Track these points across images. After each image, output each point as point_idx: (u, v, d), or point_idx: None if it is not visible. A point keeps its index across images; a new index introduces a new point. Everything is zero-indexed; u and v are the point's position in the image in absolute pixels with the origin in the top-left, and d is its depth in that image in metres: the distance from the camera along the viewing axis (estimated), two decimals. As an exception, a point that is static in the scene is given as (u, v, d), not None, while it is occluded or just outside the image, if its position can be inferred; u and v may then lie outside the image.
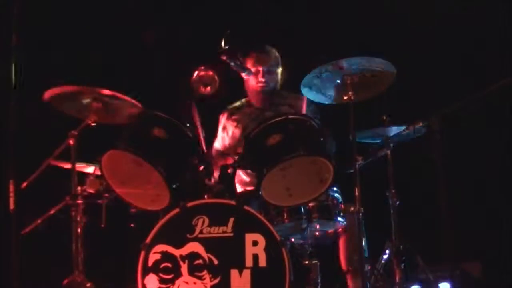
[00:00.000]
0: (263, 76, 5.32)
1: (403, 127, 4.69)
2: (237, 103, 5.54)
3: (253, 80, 5.33)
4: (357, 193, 4.47)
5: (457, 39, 5.89)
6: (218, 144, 5.48)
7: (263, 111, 5.35)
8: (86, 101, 4.61)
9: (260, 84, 5.32)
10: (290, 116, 4.42)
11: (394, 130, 4.84)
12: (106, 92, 4.56)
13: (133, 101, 4.60)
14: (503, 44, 5.62)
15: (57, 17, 6.18)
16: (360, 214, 4.47)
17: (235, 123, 5.42)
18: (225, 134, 5.44)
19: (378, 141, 4.80)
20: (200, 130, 4.77)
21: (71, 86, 4.56)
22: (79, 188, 4.68)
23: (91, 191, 4.76)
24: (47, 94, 4.58)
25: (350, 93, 4.57)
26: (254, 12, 6.36)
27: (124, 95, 4.63)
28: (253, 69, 5.25)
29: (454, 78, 5.77)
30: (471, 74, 5.65)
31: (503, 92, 4.10)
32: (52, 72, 5.87)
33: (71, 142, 4.58)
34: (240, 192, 5.14)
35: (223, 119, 5.50)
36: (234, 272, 4.19)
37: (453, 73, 5.84)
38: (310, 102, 5.27)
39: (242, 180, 5.30)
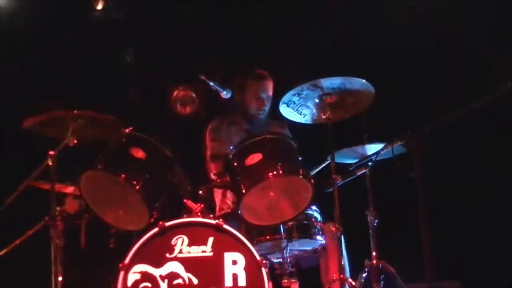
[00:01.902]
0: (265, 104, 5.35)
1: (382, 146, 4.71)
2: (227, 119, 5.52)
3: (253, 104, 5.35)
4: (336, 212, 4.49)
5: (436, 57, 5.93)
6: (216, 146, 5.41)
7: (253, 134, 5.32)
8: (65, 123, 4.61)
9: (261, 111, 5.35)
10: (268, 136, 4.43)
11: (372, 149, 4.86)
12: (85, 113, 4.57)
13: (111, 118, 4.61)
14: (482, 61, 5.67)
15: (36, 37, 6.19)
16: (340, 233, 4.48)
17: (232, 133, 5.39)
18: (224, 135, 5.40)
19: (357, 160, 4.82)
20: None
21: (48, 113, 4.57)
22: (58, 208, 4.66)
23: (70, 211, 4.74)
24: (27, 123, 4.58)
25: (328, 112, 4.60)
26: (234, 31, 6.38)
27: (102, 114, 4.63)
28: (254, 95, 5.33)
29: (433, 96, 5.81)
30: (451, 92, 5.68)
31: (483, 110, 4.13)
32: (30, 92, 5.88)
33: (49, 162, 4.58)
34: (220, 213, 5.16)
35: (221, 124, 5.45)
36: (213, 292, 4.19)
37: (432, 91, 5.87)
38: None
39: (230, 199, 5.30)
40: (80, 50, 6.31)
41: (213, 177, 4.90)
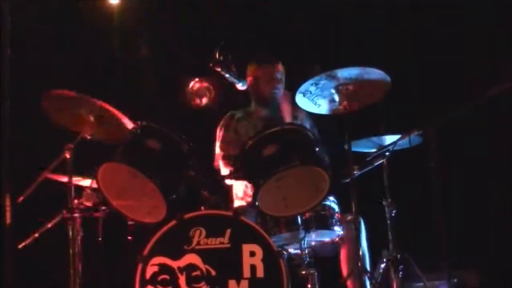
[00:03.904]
0: (279, 82, 5.36)
1: (399, 136, 4.70)
2: (240, 112, 5.53)
3: (267, 86, 5.36)
4: (354, 203, 4.48)
5: (452, 48, 5.90)
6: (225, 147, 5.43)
7: (272, 120, 5.33)
8: (82, 111, 4.63)
9: (276, 90, 5.35)
10: (285, 127, 4.43)
11: (389, 139, 4.84)
12: (102, 104, 4.59)
13: (127, 119, 4.63)
14: (497, 52, 5.63)
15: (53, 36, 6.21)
16: (358, 224, 4.48)
17: (241, 131, 5.41)
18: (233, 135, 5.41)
19: (374, 150, 4.81)
20: None
21: (70, 92, 4.60)
22: (75, 201, 4.68)
23: (88, 204, 4.76)
24: (46, 95, 4.61)
25: (345, 102, 4.59)
26: (251, 22, 6.37)
27: (119, 112, 4.66)
28: (268, 77, 5.35)
29: (450, 87, 5.78)
30: (466, 83, 5.66)
31: (498, 100, 4.12)
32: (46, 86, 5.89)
33: (67, 155, 4.60)
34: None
35: (230, 122, 5.47)
36: (231, 283, 4.19)
37: (449, 81, 5.85)
38: (309, 116, 5.31)
39: (236, 194, 5.30)
40: (94, 44, 6.32)
41: (225, 172, 4.92)
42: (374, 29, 6.03)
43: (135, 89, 6.41)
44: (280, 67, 5.40)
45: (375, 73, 4.58)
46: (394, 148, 4.69)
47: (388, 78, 4.60)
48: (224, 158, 5.29)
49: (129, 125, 4.63)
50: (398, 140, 4.65)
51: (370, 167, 4.76)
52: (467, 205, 5.68)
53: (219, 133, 5.46)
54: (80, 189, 4.80)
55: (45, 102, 4.67)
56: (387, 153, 4.72)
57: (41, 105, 4.67)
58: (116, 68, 6.40)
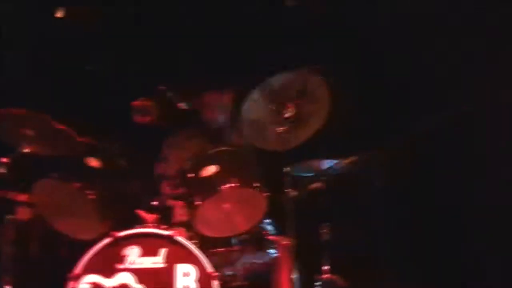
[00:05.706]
0: (216, 114, 5.38)
1: (337, 160, 4.74)
2: (186, 131, 5.55)
3: (206, 114, 5.38)
4: (289, 226, 4.50)
5: (398, 71, 5.95)
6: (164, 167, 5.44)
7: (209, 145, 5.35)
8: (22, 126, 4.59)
9: (215, 121, 5.37)
10: (223, 148, 4.44)
11: (328, 163, 4.88)
12: (38, 116, 4.54)
13: (69, 131, 4.60)
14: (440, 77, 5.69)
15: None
16: (292, 247, 4.49)
17: (178, 153, 5.42)
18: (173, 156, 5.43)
19: (312, 174, 4.84)
20: None
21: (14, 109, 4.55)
22: (10, 217, 4.63)
23: (22, 219, 4.71)
24: None
25: (285, 126, 4.62)
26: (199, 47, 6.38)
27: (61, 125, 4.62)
28: (209, 105, 5.34)
29: (392, 111, 5.82)
30: (408, 109, 5.71)
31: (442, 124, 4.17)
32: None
33: (2, 169, 4.55)
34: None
35: (173, 142, 5.49)
36: (164, 304, 4.18)
37: (391, 106, 5.89)
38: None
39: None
40: (42, 57, 6.28)
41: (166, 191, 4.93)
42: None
43: (84, 106, 6.37)
44: (225, 97, 5.41)
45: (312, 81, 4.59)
46: (332, 172, 4.72)
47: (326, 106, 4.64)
48: (164, 178, 5.31)
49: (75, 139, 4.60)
50: (336, 164, 4.68)
51: (307, 191, 4.77)
52: (406, 230, 5.72)
53: (162, 152, 5.47)
54: (14, 204, 4.75)
55: None
56: (325, 177, 4.75)
57: None
58: (64, 83, 6.36)
